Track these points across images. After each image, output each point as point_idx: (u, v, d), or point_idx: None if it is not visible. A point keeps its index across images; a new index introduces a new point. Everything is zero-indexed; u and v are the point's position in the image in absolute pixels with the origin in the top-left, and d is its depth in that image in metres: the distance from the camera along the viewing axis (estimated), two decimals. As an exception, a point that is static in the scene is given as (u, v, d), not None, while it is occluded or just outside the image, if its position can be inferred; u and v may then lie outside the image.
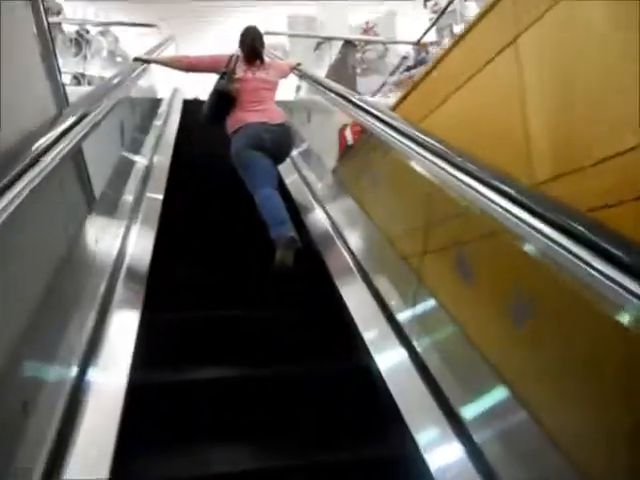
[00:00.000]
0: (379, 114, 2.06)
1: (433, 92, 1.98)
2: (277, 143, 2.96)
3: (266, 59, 3.29)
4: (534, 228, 1.08)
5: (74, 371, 1.46)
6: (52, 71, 1.76)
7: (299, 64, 3.85)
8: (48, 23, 1.66)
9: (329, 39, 7.22)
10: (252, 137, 2.88)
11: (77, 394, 1.40)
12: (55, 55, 1.78)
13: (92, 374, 1.50)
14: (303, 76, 3.91)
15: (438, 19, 6.36)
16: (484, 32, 1.69)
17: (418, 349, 1.71)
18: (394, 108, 2.26)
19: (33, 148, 1.32)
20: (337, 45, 6.55)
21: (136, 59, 3.51)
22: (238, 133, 2.95)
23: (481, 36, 1.71)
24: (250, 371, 1.94)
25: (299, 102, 5.03)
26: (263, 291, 2.45)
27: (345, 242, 2.66)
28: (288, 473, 1.54)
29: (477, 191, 1.28)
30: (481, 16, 1.70)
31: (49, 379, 1.36)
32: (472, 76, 1.68)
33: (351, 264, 2.44)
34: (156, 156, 3.68)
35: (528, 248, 1.14)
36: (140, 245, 2.38)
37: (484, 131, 1.63)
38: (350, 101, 2.74)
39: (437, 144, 1.55)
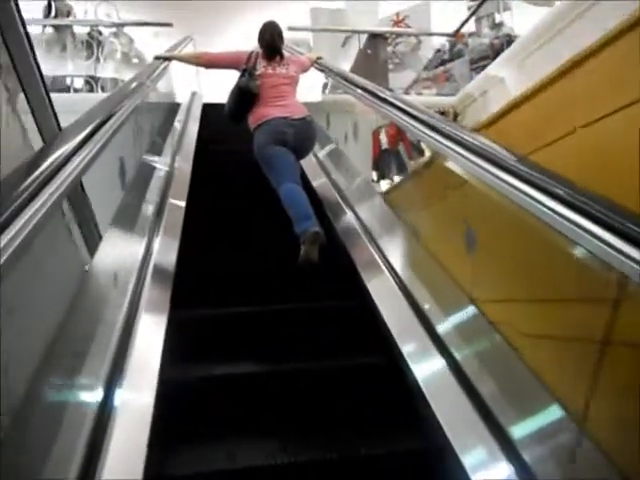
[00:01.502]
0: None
1: (549, 117, 1.44)
2: (299, 138, 2.93)
3: (286, 54, 3.21)
4: None
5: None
6: (36, 93, 1.32)
7: (320, 57, 3.75)
8: (25, 28, 1.22)
9: (357, 32, 6.73)
10: (274, 132, 2.87)
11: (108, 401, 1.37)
12: (40, 72, 1.33)
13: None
14: (325, 70, 3.74)
15: (479, 7, 5.82)
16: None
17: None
18: (482, 128, 1.73)
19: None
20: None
21: (157, 57, 3.54)
22: (260, 129, 2.93)
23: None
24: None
25: (340, 104, 4.59)
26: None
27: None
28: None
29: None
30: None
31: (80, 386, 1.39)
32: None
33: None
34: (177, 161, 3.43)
35: None
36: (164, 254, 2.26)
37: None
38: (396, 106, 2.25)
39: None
